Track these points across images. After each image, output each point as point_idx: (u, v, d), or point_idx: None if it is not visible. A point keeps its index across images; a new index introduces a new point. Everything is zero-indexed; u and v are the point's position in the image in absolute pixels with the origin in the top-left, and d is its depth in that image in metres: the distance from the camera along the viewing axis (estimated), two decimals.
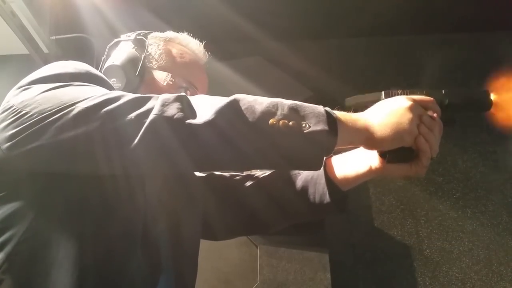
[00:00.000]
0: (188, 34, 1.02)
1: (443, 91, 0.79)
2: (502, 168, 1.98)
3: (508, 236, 1.85)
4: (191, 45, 0.98)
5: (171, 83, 0.89)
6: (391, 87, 0.79)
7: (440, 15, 2.15)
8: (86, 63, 0.95)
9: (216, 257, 1.64)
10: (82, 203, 0.67)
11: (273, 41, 2.11)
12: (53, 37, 1.98)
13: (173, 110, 0.62)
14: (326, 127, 0.64)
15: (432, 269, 1.82)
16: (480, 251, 1.83)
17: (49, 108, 0.63)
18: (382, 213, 1.93)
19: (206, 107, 0.64)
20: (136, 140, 0.61)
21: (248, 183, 0.97)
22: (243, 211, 0.97)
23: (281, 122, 0.64)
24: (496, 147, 2.02)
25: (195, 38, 1.01)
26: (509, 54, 2.18)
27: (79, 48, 1.88)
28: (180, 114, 0.62)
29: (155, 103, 0.64)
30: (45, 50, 1.99)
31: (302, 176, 0.93)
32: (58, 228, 0.65)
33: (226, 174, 1.01)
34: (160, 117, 0.62)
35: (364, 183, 1.93)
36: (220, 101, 0.65)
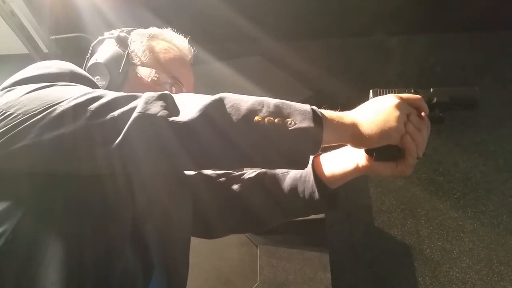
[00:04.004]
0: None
1: (432, 89, 0.80)
2: (502, 168, 1.98)
3: (509, 235, 1.85)
4: (175, 41, 0.98)
5: (155, 79, 0.89)
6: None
7: (440, 15, 2.15)
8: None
9: (216, 257, 1.64)
10: (71, 202, 0.67)
11: (273, 41, 2.11)
12: (53, 37, 1.98)
13: (156, 108, 0.62)
14: (311, 124, 0.64)
15: (433, 268, 1.81)
16: (480, 250, 1.83)
17: (33, 109, 0.63)
18: (382, 213, 1.93)
19: (190, 105, 0.64)
20: (119, 138, 0.61)
21: (238, 181, 0.97)
22: (237, 208, 0.96)
23: (266, 119, 0.64)
24: (496, 147, 2.02)
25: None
26: (509, 54, 2.18)
27: (79, 48, 1.88)
28: (163, 112, 0.62)
29: (138, 101, 0.64)
30: (45, 50, 1.99)
31: (291, 175, 0.93)
32: (46, 227, 0.65)
33: (218, 172, 1.01)
34: (144, 115, 0.62)
35: (364, 183, 1.96)
36: (205, 99, 0.65)
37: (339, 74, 2.13)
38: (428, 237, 1.87)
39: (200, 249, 1.58)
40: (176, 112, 0.63)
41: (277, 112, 0.65)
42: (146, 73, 0.90)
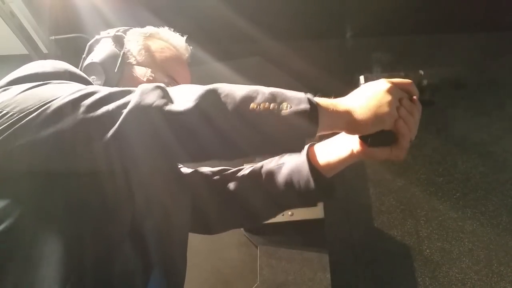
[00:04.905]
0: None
1: (421, 72, 0.81)
2: (502, 168, 1.98)
3: (508, 236, 1.85)
4: (172, 40, 0.98)
5: (151, 78, 0.89)
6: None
7: (440, 15, 2.15)
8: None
9: (215, 257, 1.64)
10: (71, 202, 0.67)
11: (273, 41, 2.11)
12: (53, 37, 1.97)
13: (152, 98, 0.62)
14: (307, 107, 0.65)
15: (432, 269, 1.81)
16: (480, 251, 1.83)
17: (29, 107, 0.63)
18: (382, 213, 1.93)
19: (186, 94, 0.64)
20: (114, 128, 0.61)
21: (234, 177, 0.98)
22: (234, 204, 0.97)
23: (261, 105, 0.64)
24: (496, 147, 2.02)
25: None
26: (509, 54, 2.18)
27: (79, 48, 1.88)
28: (159, 102, 0.62)
29: (133, 95, 0.64)
30: (45, 50, 1.99)
31: (286, 166, 0.93)
32: (45, 227, 0.64)
33: (213, 170, 1.01)
34: (139, 105, 0.62)
35: (364, 183, 1.96)
36: (200, 89, 0.65)
37: (338, 74, 2.13)
38: (428, 237, 1.87)
39: (199, 249, 1.58)
40: (171, 103, 0.63)
41: (272, 98, 0.65)
42: (142, 72, 0.90)
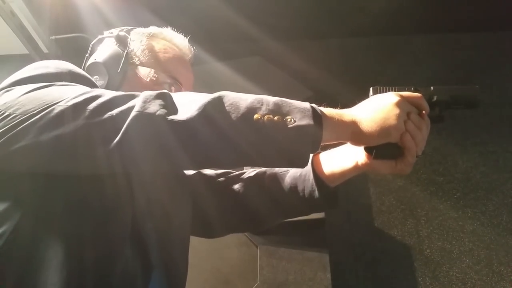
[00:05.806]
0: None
1: (432, 87, 0.80)
2: (502, 168, 1.98)
3: (509, 236, 1.85)
4: (175, 40, 0.98)
5: (154, 79, 0.89)
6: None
7: (440, 15, 2.15)
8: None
9: (216, 257, 1.64)
10: (72, 203, 0.67)
11: (273, 41, 2.11)
12: (53, 37, 1.98)
13: (155, 106, 0.62)
14: (311, 122, 0.64)
15: (433, 269, 1.81)
16: (480, 251, 1.83)
17: (32, 109, 0.63)
18: (382, 213, 1.93)
19: (189, 103, 0.64)
20: (118, 137, 0.61)
21: (238, 181, 0.97)
22: (237, 207, 0.96)
23: (266, 117, 0.63)
24: (496, 147, 2.02)
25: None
26: (509, 54, 2.18)
27: (79, 48, 1.88)
28: (162, 111, 0.62)
29: (136, 100, 0.63)
30: (45, 50, 1.99)
31: (291, 174, 0.93)
32: (46, 228, 0.64)
33: (217, 172, 1.01)
34: (142, 113, 0.61)
35: (364, 183, 1.96)
36: (204, 98, 0.64)
37: (338, 74, 2.13)
38: (428, 237, 1.87)
39: (200, 249, 1.58)
40: (175, 111, 0.63)
41: (277, 110, 0.65)
42: (145, 72, 0.89)
